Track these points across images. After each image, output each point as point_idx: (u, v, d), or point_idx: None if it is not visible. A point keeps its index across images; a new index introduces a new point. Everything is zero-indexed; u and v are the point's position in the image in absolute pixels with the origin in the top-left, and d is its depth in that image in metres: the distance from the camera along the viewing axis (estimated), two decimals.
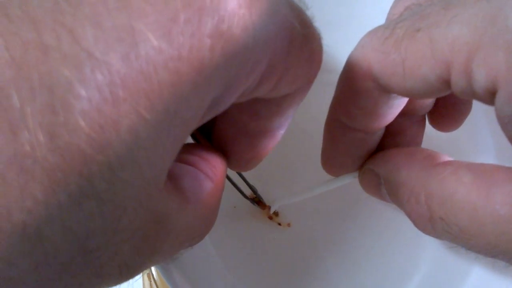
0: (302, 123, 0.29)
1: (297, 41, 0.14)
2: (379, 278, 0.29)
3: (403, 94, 0.17)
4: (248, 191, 0.28)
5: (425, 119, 0.23)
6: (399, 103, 0.19)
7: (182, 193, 0.15)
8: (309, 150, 0.31)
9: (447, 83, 0.15)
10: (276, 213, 0.28)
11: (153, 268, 0.27)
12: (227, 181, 0.24)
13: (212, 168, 0.17)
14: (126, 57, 0.10)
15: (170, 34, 0.11)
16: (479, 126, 0.29)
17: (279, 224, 0.28)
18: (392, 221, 0.29)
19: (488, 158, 0.29)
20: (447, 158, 0.18)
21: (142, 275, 0.29)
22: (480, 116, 0.28)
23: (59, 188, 0.09)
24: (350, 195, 0.29)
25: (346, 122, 0.19)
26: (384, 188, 0.20)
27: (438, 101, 0.22)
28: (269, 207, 0.28)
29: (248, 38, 0.12)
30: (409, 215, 0.18)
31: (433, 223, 0.16)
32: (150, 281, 0.28)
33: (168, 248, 0.14)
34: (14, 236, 0.09)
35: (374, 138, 0.20)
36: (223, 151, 0.18)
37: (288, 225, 0.29)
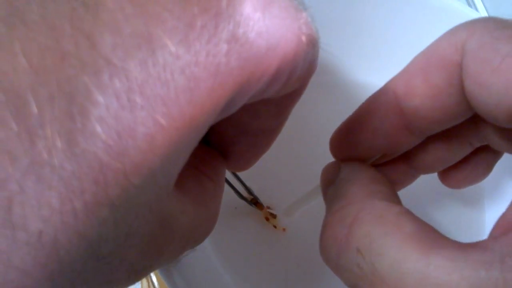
0: (296, 124, 0.29)
1: (303, 43, 0.14)
2: None
3: (487, 116, 0.15)
4: (244, 193, 0.28)
5: None
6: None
7: (186, 195, 0.15)
8: (302, 150, 0.31)
9: None
10: (273, 215, 0.28)
11: None
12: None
13: (213, 169, 0.17)
14: (144, 64, 0.10)
15: (187, 40, 0.10)
16: None
17: (275, 226, 0.28)
18: None
19: None
20: (403, 208, 0.16)
21: None
22: None
23: (75, 196, 0.09)
24: None
25: (404, 100, 0.17)
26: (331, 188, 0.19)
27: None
28: (267, 208, 0.28)
29: (262, 42, 0.12)
30: (323, 230, 0.17)
31: (345, 250, 0.15)
32: (148, 283, 0.28)
33: (173, 251, 0.14)
34: (30, 245, 0.09)
35: (411, 140, 0.19)
36: (221, 151, 0.18)
37: (284, 230, 0.28)
